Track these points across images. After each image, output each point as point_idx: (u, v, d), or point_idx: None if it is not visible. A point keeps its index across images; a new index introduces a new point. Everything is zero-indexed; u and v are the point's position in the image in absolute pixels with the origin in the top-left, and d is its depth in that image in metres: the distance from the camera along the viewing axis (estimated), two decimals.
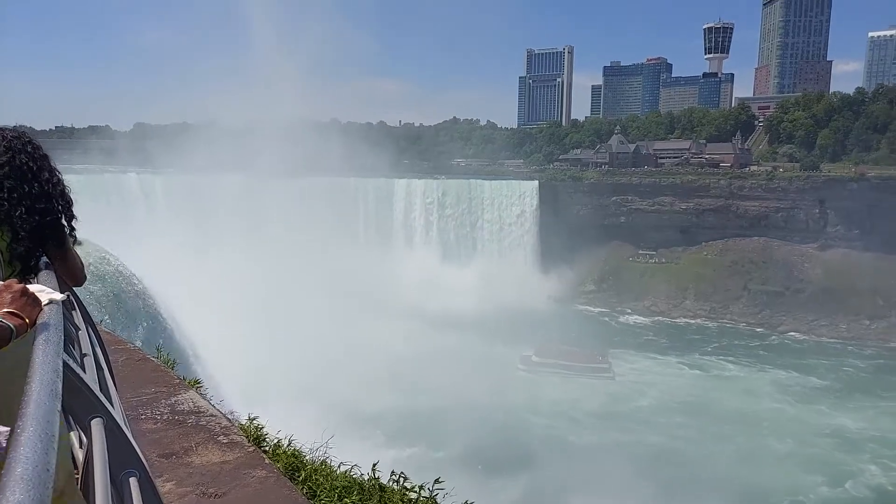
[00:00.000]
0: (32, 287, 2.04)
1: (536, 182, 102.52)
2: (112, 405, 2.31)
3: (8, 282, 1.98)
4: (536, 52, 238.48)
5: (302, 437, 6.56)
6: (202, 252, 60.75)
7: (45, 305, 2.05)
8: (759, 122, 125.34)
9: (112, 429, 2.15)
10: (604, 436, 53.40)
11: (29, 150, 2.61)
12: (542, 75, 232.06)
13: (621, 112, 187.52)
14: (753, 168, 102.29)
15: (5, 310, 1.84)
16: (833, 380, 67.42)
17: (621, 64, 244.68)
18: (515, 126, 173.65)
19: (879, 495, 46.31)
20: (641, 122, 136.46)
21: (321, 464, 6.15)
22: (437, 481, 6.07)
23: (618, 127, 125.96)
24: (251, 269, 63.15)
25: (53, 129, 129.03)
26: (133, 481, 2.06)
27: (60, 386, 1.65)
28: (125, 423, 2.32)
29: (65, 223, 2.62)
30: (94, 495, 1.75)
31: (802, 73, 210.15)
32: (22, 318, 1.84)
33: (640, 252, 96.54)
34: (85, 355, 2.67)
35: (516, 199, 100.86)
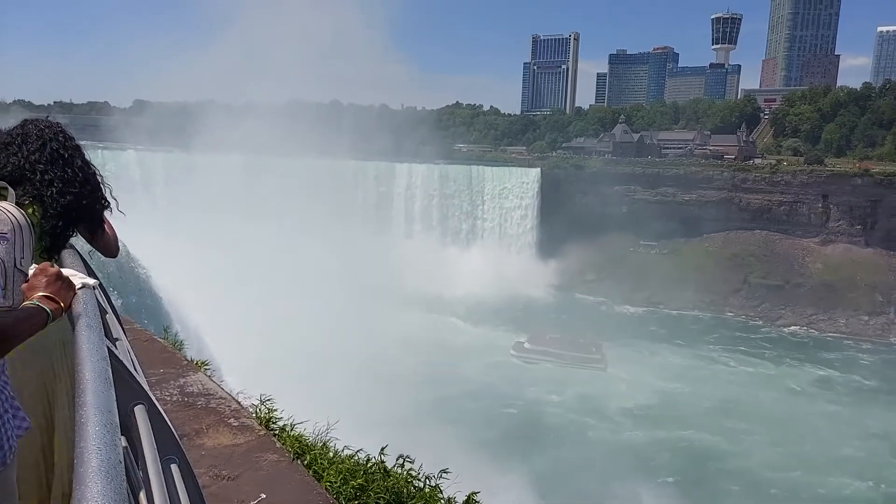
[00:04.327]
0: (66, 271, 2.02)
1: (538, 169, 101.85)
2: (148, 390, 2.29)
3: (42, 265, 1.96)
4: (542, 38, 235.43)
5: (302, 423, 6.60)
6: (201, 231, 60.30)
7: (78, 290, 2.06)
8: (765, 114, 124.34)
9: (154, 414, 2.13)
10: (635, 432, 51.03)
11: (60, 139, 2.81)
12: (547, 62, 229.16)
13: (626, 101, 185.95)
14: (757, 161, 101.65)
15: (41, 293, 1.81)
16: (880, 379, 64.88)
17: (627, 52, 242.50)
18: (519, 112, 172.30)
19: None
20: (646, 111, 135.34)
21: (323, 447, 6.18)
22: (443, 472, 6.00)
23: (622, 116, 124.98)
24: (249, 250, 62.76)
25: (52, 103, 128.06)
26: (174, 468, 2.03)
27: (111, 372, 1.66)
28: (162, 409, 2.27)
29: (99, 207, 2.89)
30: (146, 483, 1.73)
31: (810, 67, 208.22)
32: (57, 303, 1.82)
33: (642, 242, 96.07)
34: (117, 339, 2.66)
35: (518, 186, 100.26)
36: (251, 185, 79.08)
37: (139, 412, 2.09)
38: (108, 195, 2.99)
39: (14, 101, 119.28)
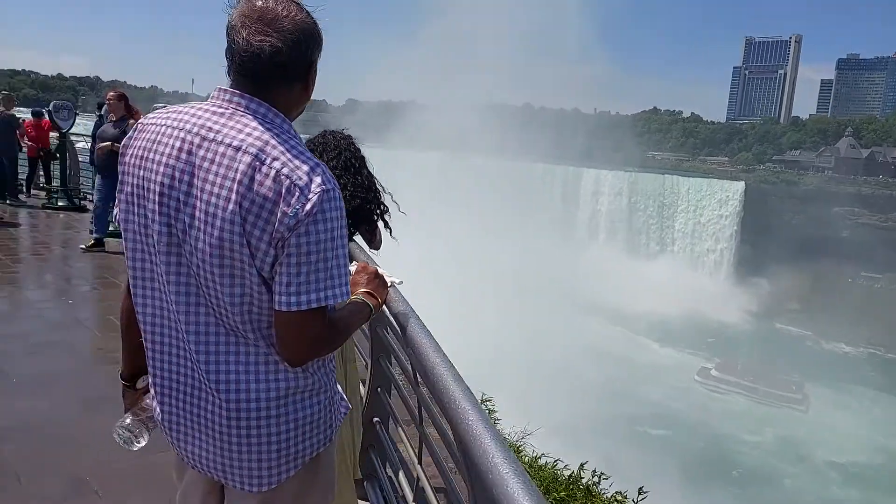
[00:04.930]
0: (379, 269, 2.14)
1: (743, 183, 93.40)
2: None
3: (362, 264, 2.11)
4: (757, 40, 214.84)
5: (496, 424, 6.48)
6: (397, 223, 63.84)
7: (388, 288, 2.16)
8: None
9: None
10: (846, 490, 43.87)
11: (352, 149, 3.18)
12: (762, 66, 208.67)
13: (855, 112, 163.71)
14: None
15: (363, 289, 1.93)
16: None
17: (860, 56, 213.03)
18: (724, 120, 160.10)
19: None
20: (880, 124, 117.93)
21: (517, 451, 6.07)
22: (640, 491, 5.63)
23: (849, 128, 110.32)
24: (437, 245, 65.23)
25: None
26: None
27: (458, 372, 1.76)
28: None
29: (378, 210, 3.26)
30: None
31: None
32: (376, 299, 1.95)
33: (863, 273, 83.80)
34: None
35: (717, 199, 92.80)
36: (443, 183, 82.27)
37: None
38: (385, 200, 3.32)
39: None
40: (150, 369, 1.73)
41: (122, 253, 6.67)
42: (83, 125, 16.44)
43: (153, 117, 1.64)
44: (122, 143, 1.68)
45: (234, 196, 1.44)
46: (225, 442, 1.64)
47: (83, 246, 9.20)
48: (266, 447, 1.63)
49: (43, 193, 14.01)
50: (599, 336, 68.33)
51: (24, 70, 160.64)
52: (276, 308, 1.50)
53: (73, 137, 12.75)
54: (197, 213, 1.48)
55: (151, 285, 1.64)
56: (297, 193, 1.43)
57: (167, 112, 1.61)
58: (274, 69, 1.51)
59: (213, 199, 1.46)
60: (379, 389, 3.32)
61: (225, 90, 1.56)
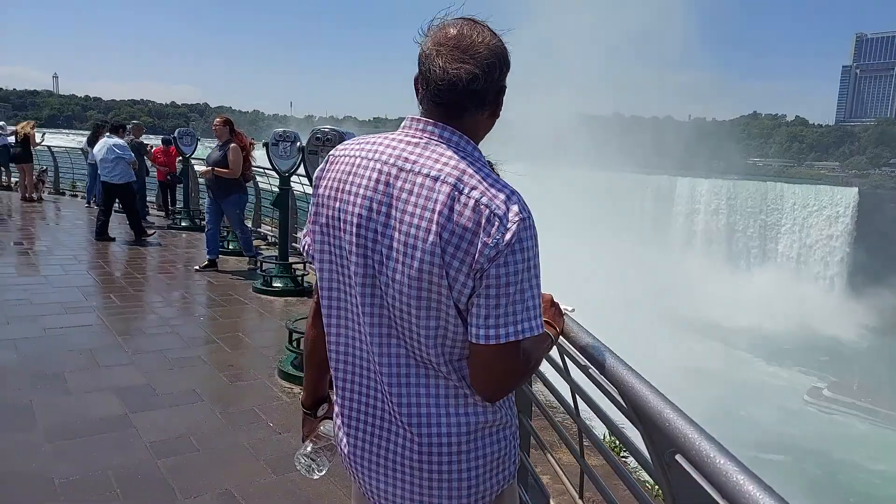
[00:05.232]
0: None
1: (856, 189, 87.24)
2: None
3: None
4: (869, 36, 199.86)
5: None
6: None
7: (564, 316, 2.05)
8: None
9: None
10: None
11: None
12: (875, 64, 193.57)
13: None
14: None
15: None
16: None
17: None
18: (833, 123, 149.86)
19: None
20: None
21: None
22: None
23: None
24: None
25: (371, 119, 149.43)
26: None
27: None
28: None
29: None
30: None
31: None
32: (556, 329, 1.86)
33: None
34: None
35: (826, 207, 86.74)
36: (530, 194, 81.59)
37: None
38: None
39: (344, 116, 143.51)
40: (338, 400, 1.70)
41: (235, 272, 7.04)
42: (203, 149, 17.66)
43: (344, 148, 1.62)
44: (315, 174, 1.68)
45: (434, 227, 1.40)
46: (416, 478, 1.59)
47: (197, 267, 9.73)
48: (457, 484, 1.58)
49: (167, 214, 15.17)
50: (697, 353, 65.39)
51: (141, 99, 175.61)
52: (474, 341, 1.44)
53: (193, 162, 13.64)
54: (395, 245, 1.45)
55: (346, 316, 1.61)
56: (496, 223, 1.38)
57: (359, 143, 1.60)
58: (470, 96, 1.49)
59: (413, 231, 1.43)
60: (519, 414, 3.24)
61: (418, 119, 1.54)
